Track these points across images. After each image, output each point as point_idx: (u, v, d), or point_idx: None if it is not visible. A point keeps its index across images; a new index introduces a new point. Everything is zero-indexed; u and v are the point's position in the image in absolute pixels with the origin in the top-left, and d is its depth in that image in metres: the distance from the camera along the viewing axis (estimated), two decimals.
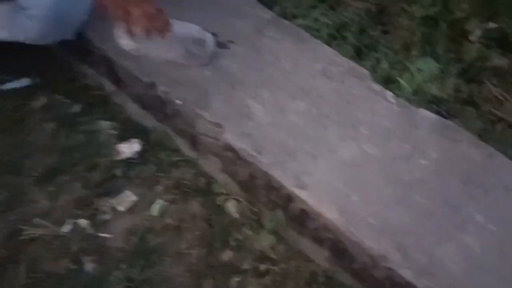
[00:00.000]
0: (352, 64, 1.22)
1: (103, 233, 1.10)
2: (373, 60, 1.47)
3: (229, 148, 1.03)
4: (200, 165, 1.17)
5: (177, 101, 1.08)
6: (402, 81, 1.36)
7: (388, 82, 1.33)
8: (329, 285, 1.00)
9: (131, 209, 1.14)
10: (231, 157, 1.04)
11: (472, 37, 1.59)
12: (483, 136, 1.22)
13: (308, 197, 0.94)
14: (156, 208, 1.13)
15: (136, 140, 1.23)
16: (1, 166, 1.17)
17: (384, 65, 1.46)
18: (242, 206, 1.11)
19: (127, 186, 1.17)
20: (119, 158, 1.21)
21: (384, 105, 1.13)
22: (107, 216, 1.12)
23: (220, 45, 1.18)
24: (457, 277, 0.85)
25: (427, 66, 1.53)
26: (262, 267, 1.04)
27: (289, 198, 0.97)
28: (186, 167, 1.18)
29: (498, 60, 1.61)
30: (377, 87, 1.17)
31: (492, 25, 1.61)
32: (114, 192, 1.16)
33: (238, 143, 1.01)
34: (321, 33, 1.45)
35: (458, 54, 1.57)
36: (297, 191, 0.95)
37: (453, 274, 0.86)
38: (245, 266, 1.04)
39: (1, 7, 1.21)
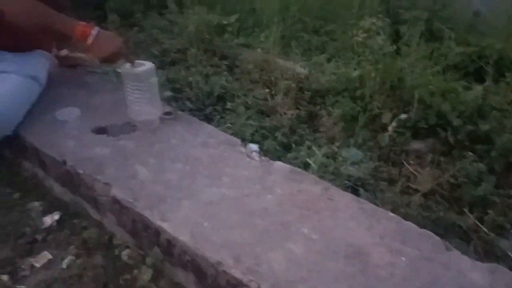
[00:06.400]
0: (228, 136, 1.54)
1: (20, 285, 1.31)
2: (297, 152, 1.77)
3: (115, 200, 1.30)
4: (103, 225, 1.43)
5: (80, 171, 1.38)
6: (312, 164, 1.62)
7: (306, 167, 1.60)
8: None
9: (46, 265, 1.36)
10: (118, 208, 1.30)
11: (388, 128, 1.90)
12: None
13: (168, 227, 1.18)
14: (65, 262, 1.36)
15: (57, 212, 1.51)
16: None
17: (303, 154, 1.76)
18: (132, 252, 1.33)
19: (45, 248, 1.41)
20: (43, 227, 1.47)
21: (247, 161, 1.42)
22: (26, 272, 1.35)
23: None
24: (278, 271, 1.05)
25: (349, 154, 1.84)
26: None
27: (158, 232, 1.21)
28: (93, 228, 1.44)
29: (414, 144, 1.92)
30: (245, 150, 1.47)
31: (403, 115, 1.93)
32: (34, 253, 1.40)
33: (120, 195, 1.29)
34: (252, 135, 1.77)
35: (377, 143, 1.89)
36: (160, 224, 1.19)
37: (275, 270, 1.06)
38: None
39: None
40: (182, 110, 1.80)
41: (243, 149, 1.48)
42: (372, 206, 1.26)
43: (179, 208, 1.24)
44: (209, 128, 1.59)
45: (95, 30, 1.44)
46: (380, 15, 2.38)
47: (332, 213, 1.22)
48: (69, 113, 1.63)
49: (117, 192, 1.30)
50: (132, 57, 1.48)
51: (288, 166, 1.41)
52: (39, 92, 1.66)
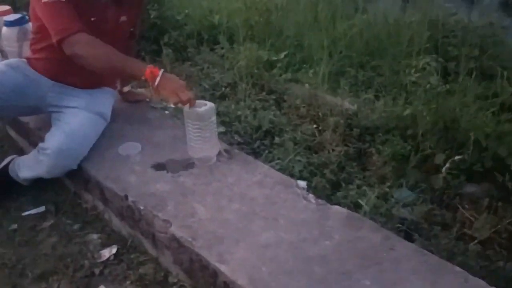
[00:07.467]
0: (283, 177, 1.54)
1: None
2: (347, 191, 1.76)
3: (173, 238, 1.31)
4: (160, 262, 1.44)
5: (141, 207, 1.41)
6: (365, 205, 1.61)
7: (356, 207, 1.59)
8: None
9: None
10: (175, 246, 1.32)
11: (442, 169, 1.86)
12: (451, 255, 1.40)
13: (226, 269, 1.18)
14: None
15: (115, 246, 1.54)
16: (9, 269, 1.50)
17: (354, 193, 1.73)
18: None
19: (102, 282, 1.44)
20: (100, 260, 1.50)
21: (304, 203, 1.40)
22: None
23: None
24: None
25: (401, 195, 1.80)
26: None
27: (215, 273, 1.21)
28: (149, 264, 1.46)
29: (468, 187, 1.86)
30: (301, 191, 1.46)
31: (458, 157, 1.88)
32: (91, 287, 1.43)
33: (179, 233, 1.30)
34: (300, 171, 1.76)
35: (429, 184, 1.85)
36: (218, 265, 1.19)
37: None
38: None
39: (33, 152, 1.68)
40: (231, 144, 1.83)
41: (298, 191, 1.47)
42: (436, 258, 1.21)
43: (237, 249, 1.24)
44: (264, 167, 1.60)
45: (160, 72, 1.50)
46: (434, 55, 2.36)
47: (394, 265, 1.18)
48: (131, 148, 1.68)
49: (176, 230, 1.32)
50: (193, 97, 1.52)
51: (345, 211, 1.38)
52: (104, 128, 1.73)
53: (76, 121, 1.63)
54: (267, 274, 1.16)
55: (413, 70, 2.32)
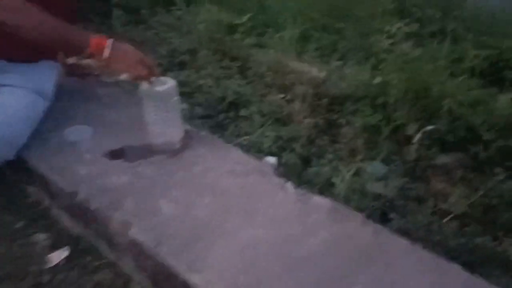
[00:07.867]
0: (257, 163, 1.37)
1: None
2: (318, 167, 1.62)
3: (134, 243, 1.13)
4: (118, 266, 1.26)
5: (93, 206, 1.21)
6: (338, 183, 1.48)
7: (328, 185, 1.46)
8: None
9: None
10: (137, 252, 1.13)
11: (413, 140, 1.75)
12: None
13: (199, 280, 1.01)
14: None
15: (66, 248, 1.34)
16: None
17: (326, 170, 1.60)
18: None
19: None
20: (49, 266, 1.30)
21: (282, 195, 1.25)
22: None
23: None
24: None
25: (374, 169, 1.68)
26: None
27: (185, 284, 1.04)
28: (106, 269, 1.27)
29: (442, 158, 1.77)
30: (278, 180, 1.30)
31: (430, 127, 1.77)
32: None
33: (140, 237, 1.12)
34: (269, 147, 1.62)
35: (402, 156, 1.74)
36: (189, 276, 1.02)
37: None
38: None
39: None
40: (192, 118, 1.66)
41: (276, 179, 1.31)
42: (432, 256, 1.09)
43: (210, 254, 1.07)
44: (236, 152, 1.43)
45: (109, 41, 1.27)
46: (407, 20, 2.24)
47: (388, 264, 1.05)
48: (80, 132, 1.45)
49: (137, 233, 1.13)
50: (154, 69, 1.31)
51: (329, 202, 1.24)
52: (46, 108, 1.48)
53: (11, 102, 1.38)
54: (247, 284, 1.00)
55: (384, 36, 2.20)
